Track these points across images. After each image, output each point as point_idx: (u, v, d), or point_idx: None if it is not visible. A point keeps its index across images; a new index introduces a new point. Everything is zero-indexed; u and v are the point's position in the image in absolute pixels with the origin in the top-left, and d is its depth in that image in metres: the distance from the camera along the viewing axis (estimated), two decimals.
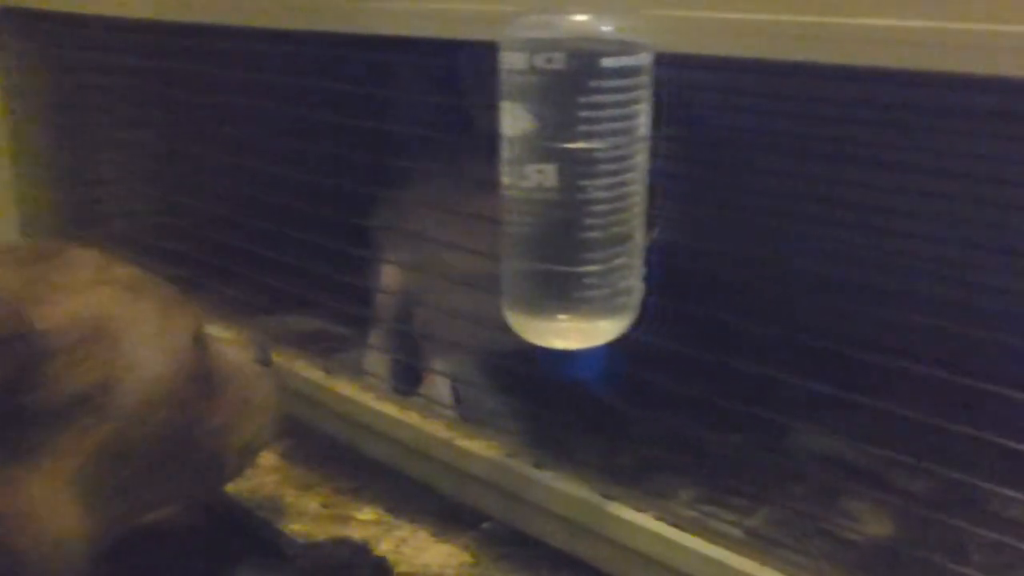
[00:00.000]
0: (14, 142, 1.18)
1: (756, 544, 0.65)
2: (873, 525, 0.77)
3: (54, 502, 0.49)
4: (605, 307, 0.58)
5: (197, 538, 0.77)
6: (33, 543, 0.48)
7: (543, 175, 0.58)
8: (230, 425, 0.64)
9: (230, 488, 0.88)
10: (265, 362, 0.72)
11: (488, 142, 0.61)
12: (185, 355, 0.58)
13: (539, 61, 0.56)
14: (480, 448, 0.75)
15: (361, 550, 0.73)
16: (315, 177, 0.85)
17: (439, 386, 0.89)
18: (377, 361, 0.95)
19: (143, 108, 1.12)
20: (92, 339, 0.52)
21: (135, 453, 0.54)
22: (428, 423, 0.79)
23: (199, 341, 0.61)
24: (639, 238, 0.59)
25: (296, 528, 0.82)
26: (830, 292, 0.64)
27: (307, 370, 0.88)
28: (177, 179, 1.12)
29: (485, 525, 0.80)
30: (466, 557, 0.80)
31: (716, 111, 0.77)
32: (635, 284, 0.59)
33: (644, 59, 0.56)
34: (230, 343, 0.71)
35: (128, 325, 0.54)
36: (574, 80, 0.55)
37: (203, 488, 0.69)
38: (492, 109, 0.59)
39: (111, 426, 0.52)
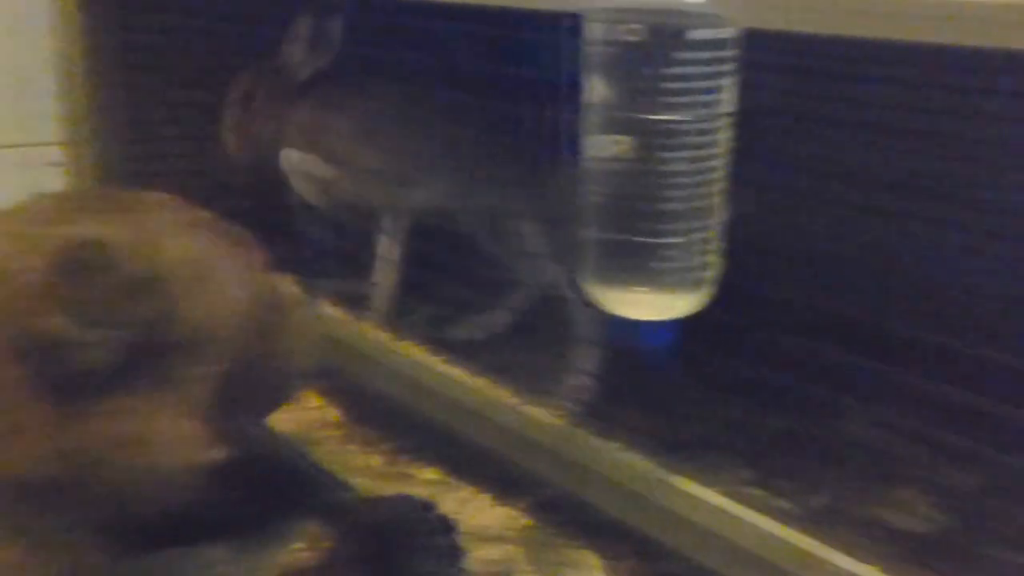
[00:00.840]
0: (93, 100, 1.22)
1: (816, 524, 0.65)
2: (928, 514, 0.76)
3: (187, 428, 0.52)
4: (684, 280, 0.58)
5: (264, 486, 0.80)
6: (170, 465, 0.52)
7: (620, 146, 0.58)
8: (293, 348, 0.68)
9: (298, 440, 0.91)
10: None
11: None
12: (263, 289, 0.61)
13: (619, 32, 0.55)
14: (544, 416, 0.76)
15: (426, 506, 0.74)
16: None
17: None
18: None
19: (205, 70, 1.14)
20: (197, 278, 0.55)
21: (236, 380, 0.58)
22: (495, 388, 0.80)
23: (269, 274, 0.65)
24: (719, 213, 0.59)
25: (360, 483, 0.84)
26: (895, 278, 0.63)
27: (371, 331, 0.90)
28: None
29: (546, 491, 0.81)
30: (526, 521, 0.81)
31: (799, 90, 0.75)
32: (714, 259, 0.59)
33: (730, 32, 0.55)
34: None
35: (220, 263, 0.58)
36: (655, 52, 0.55)
37: (272, 409, 0.73)
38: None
39: (222, 356, 0.56)
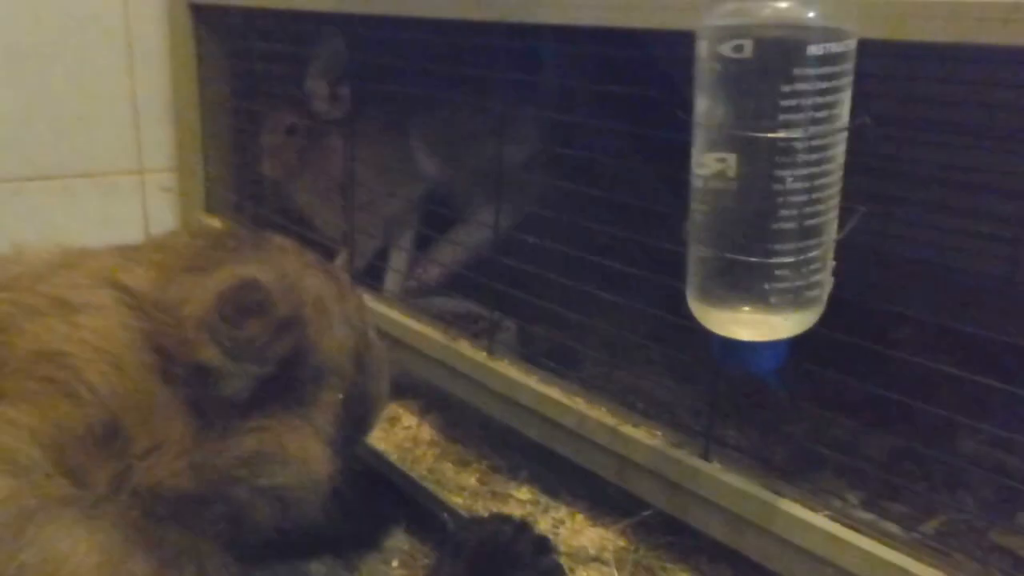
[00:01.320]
0: (203, 126, 1.27)
1: (933, 551, 0.62)
2: None
3: (317, 448, 0.57)
4: (794, 300, 0.57)
5: (368, 503, 0.81)
6: (303, 482, 0.56)
7: (724, 164, 0.57)
8: (376, 383, 0.71)
9: (394, 458, 0.92)
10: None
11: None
12: (362, 328, 0.67)
13: (724, 49, 0.55)
14: (644, 436, 0.75)
15: (522, 527, 0.74)
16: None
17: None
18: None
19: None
20: (323, 314, 0.60)
21: (348, 407, 0.62)
22: (592, 408, 0.80)
23: (366, 313, 0.70)
24: (832, 231, 0.57)
25: (456, 502, 0.85)
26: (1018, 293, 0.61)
27: (469, 350, 0.91)
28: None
29: (646, 513, 0.80)
30: (623, 543, 0.80)
31: (915, 101, 0.73)
32: (825, 278, 0.58)
33: (847, 46, 0.54)
34: None
35: (334, 303, 0.62)
36: (769, 68, 0.54)
37: (368, 432, 0.76)
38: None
39: (340, 385, 0.61)
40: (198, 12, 1.25)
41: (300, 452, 0.55)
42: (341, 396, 0.60)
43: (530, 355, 0.92)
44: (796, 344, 0.61)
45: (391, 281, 1.17)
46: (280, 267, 0.59)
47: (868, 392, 0.62)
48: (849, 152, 0.57)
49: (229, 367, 0.51)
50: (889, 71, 0.67)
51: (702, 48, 0.56)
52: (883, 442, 0.74)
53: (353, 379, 0.63)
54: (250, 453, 0.53)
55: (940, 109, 0.74)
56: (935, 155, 0.76)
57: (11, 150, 1.25)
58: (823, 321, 0.59)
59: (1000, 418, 0.63)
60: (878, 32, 0.56)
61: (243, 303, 0.51)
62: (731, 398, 0.76)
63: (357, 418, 0.67)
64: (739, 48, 0.55)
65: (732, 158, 0.56)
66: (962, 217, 0.73)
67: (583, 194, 0.84)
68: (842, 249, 0.58)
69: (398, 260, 1.18)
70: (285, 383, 0.55)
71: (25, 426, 0.48)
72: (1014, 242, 0.72)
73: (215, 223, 1.29)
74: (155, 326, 0.51)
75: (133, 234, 1.34)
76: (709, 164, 0.58)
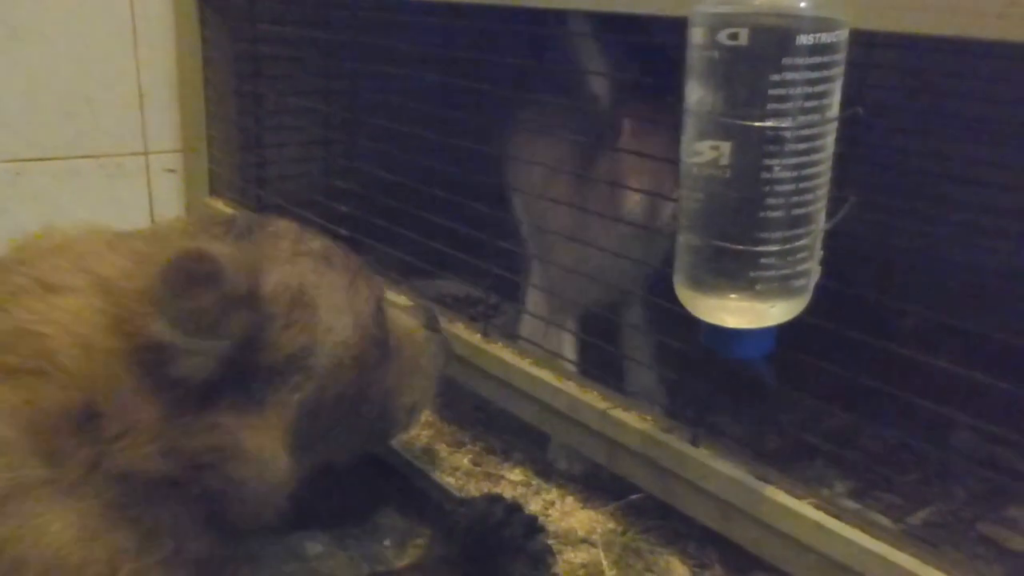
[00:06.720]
0: (208, 109, 1.28)
1: (915, 541, 0.63)
2: None
3: (273, 448, 0.54)
4: (780, 288, 0.57)
5: (359, 482, 0.82)
6: (255, 480, 0.54)
7: (718, 152, 0.57)
8: (401, 385, 0.69)
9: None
10: (434, 328, 0.76)
11: None
12: (368, 321, 0.63)
13: (721, 37, 0.55)
14: (635, 420, 0.76)
15: (513, 508, 0.75)
16: (472, 144, 0.88)
17: (566, 343, 0.91)
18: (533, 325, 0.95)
19: (314, 78, 1.18)
20: (298, 305, 0.57)
21: (329, 408, 0.59)
22: (585, 392, 0.80)
23: (379, 308, 0.65)
24: (820, 220, 0.58)
25: (449, 482, 0.86)
26: (1011, 286, 0.61)
27: (465, 332, 0.91)
28: (343, 144, 1.18)
29: (634, 496, 0.81)
30: (612, 525, 0.81)
31: (904, 93, 0.73)
32: (812, 267, 0.58)
33: (839, 36, 0.54)
34: (403, 309, 0.75)
35: (324, 293, 0.59)
36: (762, 57, 0.54)
37: (374, 442, 0.74)
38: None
39: (313, 384, 0.57)
40: None
41: (254, 450, 0.53)
42: (317, 397, 0.57)
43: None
44: (785, 333, 0.61)
45: None
46: (258, 248, 0.57)
47: (861, 384, 0.63)
48: (846, 142, 0.57)
49: (180, 340, 0.49)
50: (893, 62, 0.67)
51: (697, 35, 0.56)
52: (877, 434, 0.75)
53: (344, 383, 0.60)
54: (213, 444, 0.52)
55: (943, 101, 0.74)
56: (934, 146, 0.76)
57: (14, 131, 1.26)
58: (819, 312, 0.60)
59: (994, 412, 0.64)
60: (874, 23, 0.56)
61: (190, 273, 0.49)
62: (723, 383, 0.77)
63: (352, 426, 0.63)
64: (734, 36, 0.55)
65: (726, 146, 0.57)
66: (960, 210, 0.73)
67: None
68: (838, 239, 0.59)
69: None
70: (243, 372, 0.53)
71: (3, 407, 0.48)
72: (1014, 236, 0.72)
73: (219, 206, 1.30)
74: (124, 311, 0.51)
75: (138, 216, 1.36)
76: (703, 152, 0.58)
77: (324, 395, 0.58)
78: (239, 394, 0.53)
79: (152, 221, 1.36)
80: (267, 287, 0.55)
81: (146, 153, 1.35)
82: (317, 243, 0.63)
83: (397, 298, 0.94)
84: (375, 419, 0.67)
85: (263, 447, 0.53)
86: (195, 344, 0.50)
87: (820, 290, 0.59)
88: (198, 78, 1.29)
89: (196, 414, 0.51)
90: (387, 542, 0.81)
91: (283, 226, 0.62)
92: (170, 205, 1.36)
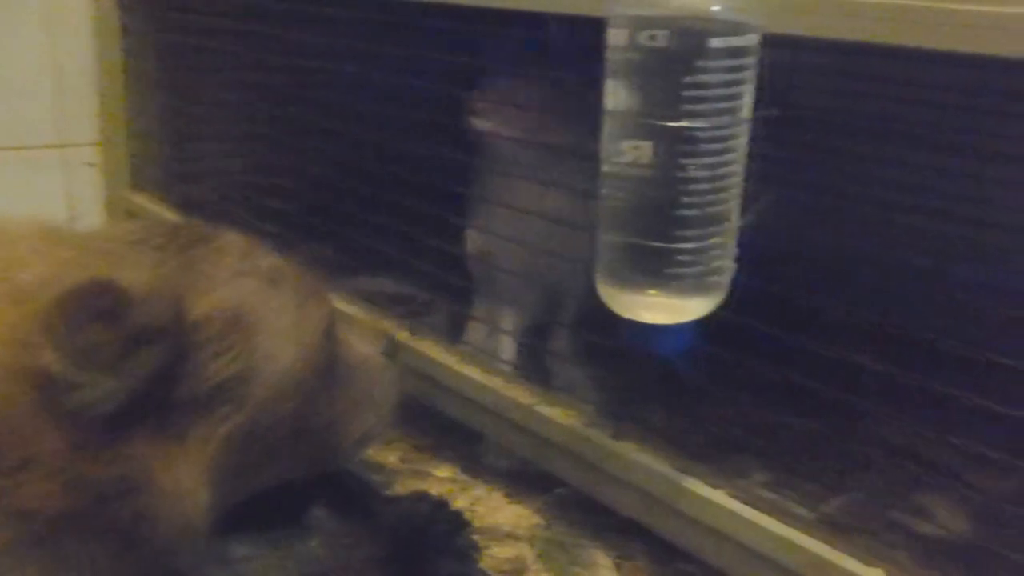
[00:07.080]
0: (129, 100, 1.25)
1: (829, 528, 0.65)
2: (948, 521, 0.76)
3: (190, 483, 0.51)
4: (696, 285, 0.59)
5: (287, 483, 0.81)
6: (170, 514, 0.50)
7: (639, 152, 0.58)
8: (349, 416, 0.65)
9: None
10: (390, 354, 0.72)
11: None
12: (315, 348, 0.59)
13: (641, 38, 0.56)
14: (559, 416, 0.77)
15: (440, 505, 0.76)
16: (408, 144, 0.88)
17: (505, 342, 0.91)
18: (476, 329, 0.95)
19: (244, 71, 1.16)
20: (233, 330, 0.53)
21: (260, 440, 0.56)
22: (511, 388, 0.81)
23: (329, 334, 0.61)
24: (734, 219, 0.59)
25: (377, 480, 0.86)
26: (922, 282, 0.63)
27: (391, 330, 0.91)
28: (274, 140, 1.16)
29: (558, 491, 0.82)
30: (537, 519, 0.82)
31: (816, 94, 0.76)
32: (727, 264, 0.60)
33: (752, 40, 0.56)
34: (358, 334, 0.70)
35: (266, 317, 0.55)
36: (677, 59, 0.55)
37: (315, 471, 0.69)
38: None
39: (245, 415, 0.53)
40: None
41: (169, 485, 0.49)
42: (248, 429, 0.53)
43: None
44: (709, 327, 0.63)
45: None
46: (191, 269, 0.53)
47: (785, 379, 0.65)
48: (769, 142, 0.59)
49: (74, 375, 0.45)
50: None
51: (619, 36, 0.57)
52: (800, 428, 0.77)
53: (282, 411, 0.56)
54: (120, 475, 0.48)
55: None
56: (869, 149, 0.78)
57: None
58: (745, 309, 0.61)
59: (914, 406, 0.66)
60: (788, 28, 0.58)
61: (90, 308, 0.45)
62: (643, 378, 0.78)
63: (291, 453, 0.59)
64: (653, 37, 0.56)
65: (647, 146, 0.58)
66: (892, 210, 0.76)
67: None
68: (761, 238, 0.60)
69: None
70: (159, 404, 0.49)
71: None
72: (941, 236, 0.74)
73: (142, 201, 1.27)
74: (24, 330, 0.46)
75: (55, 209, 1.31)
76: (625, 152, 0.59)
77: (258, 427, 0.54)
78: (156, 426, 0.49)
79: (70, 216, 1.32)
80: (197, 312, 0.51)
81: (63, 146, 1.31)
82: (266, 261, 0.58)
83: (358, 321, 0.93)
84: (320, 449, 0.63)
85: (179, 481, 0.50)
86: (91, 378, 0.46)
87: (743, 287, 0.61)
88: (117, 70, 1.25)
89: (106, 445, 0.47)
90: (314, 542, 0.80)
91: (230, 240, 0.58)
92: (89, 199, 1.32)
